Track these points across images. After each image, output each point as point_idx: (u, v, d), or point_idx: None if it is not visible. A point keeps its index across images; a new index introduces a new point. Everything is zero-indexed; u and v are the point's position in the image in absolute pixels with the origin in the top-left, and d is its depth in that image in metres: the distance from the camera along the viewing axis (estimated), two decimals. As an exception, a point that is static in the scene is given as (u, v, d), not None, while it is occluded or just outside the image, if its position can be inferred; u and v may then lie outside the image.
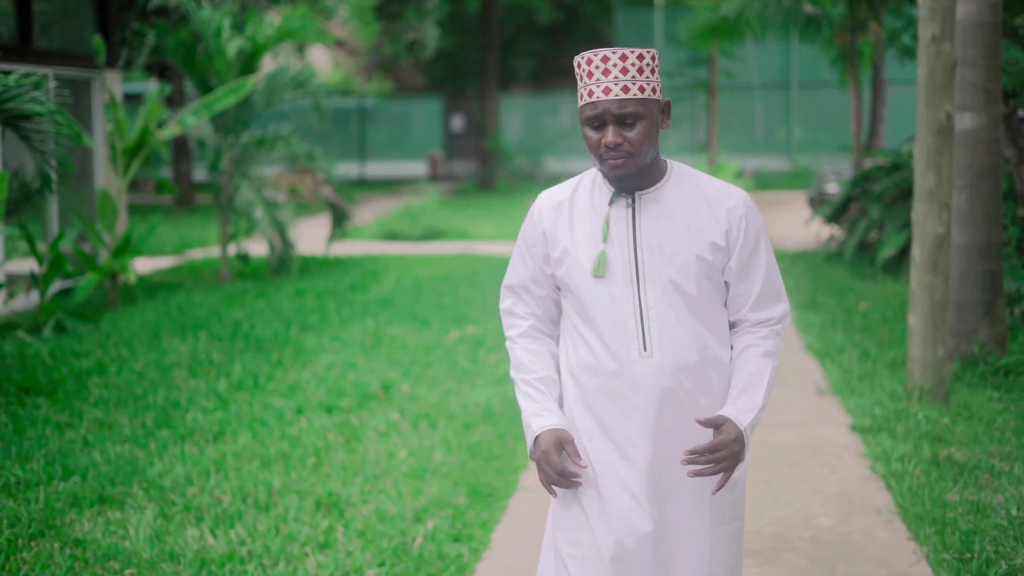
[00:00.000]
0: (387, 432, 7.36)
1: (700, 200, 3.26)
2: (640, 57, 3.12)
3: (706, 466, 3.15)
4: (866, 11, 16.23)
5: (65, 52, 13.70)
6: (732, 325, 3.38)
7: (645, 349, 3.20)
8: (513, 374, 3.42)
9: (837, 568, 5.16)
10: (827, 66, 21.34)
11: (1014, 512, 5.65)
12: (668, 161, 3.31)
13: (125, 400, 8.03)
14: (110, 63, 13.87)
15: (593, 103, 3.14)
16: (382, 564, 5.23)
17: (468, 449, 6.97)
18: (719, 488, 3.19)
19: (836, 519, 5.77)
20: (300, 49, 33.25)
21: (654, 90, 3.15)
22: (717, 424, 3.17)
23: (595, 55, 3.13)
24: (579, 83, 3.20)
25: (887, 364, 8.83)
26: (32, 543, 5.45)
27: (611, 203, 3.27)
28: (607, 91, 3.11)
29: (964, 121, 8.29)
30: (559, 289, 3.40)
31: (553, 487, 3.28)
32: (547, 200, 3.37)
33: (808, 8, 17.08)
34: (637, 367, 3.21)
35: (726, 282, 3.31)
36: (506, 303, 3.49)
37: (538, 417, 3.29)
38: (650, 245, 3.22)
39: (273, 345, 9.95)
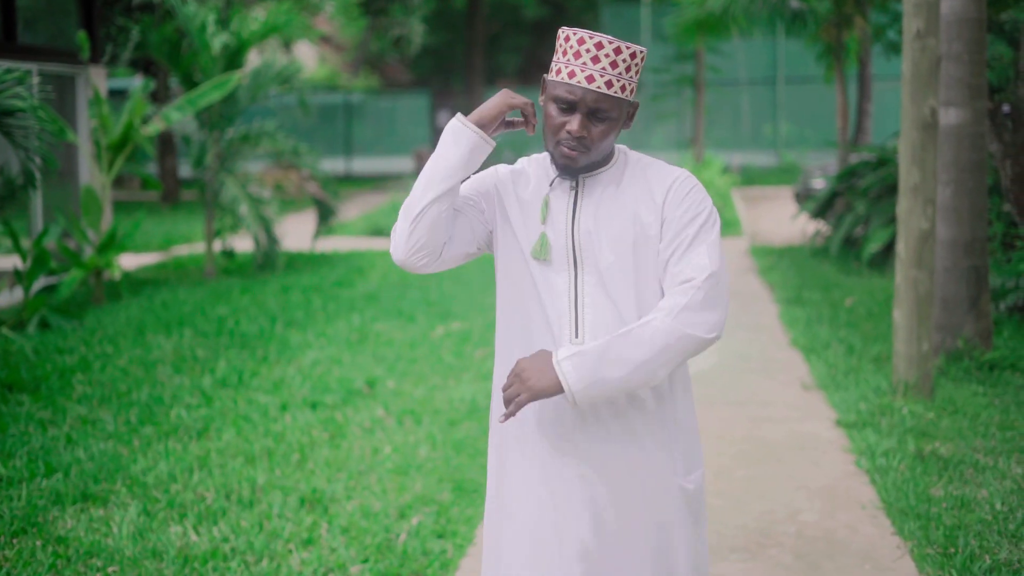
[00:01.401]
0: (372, 428, 7.34)
1: (642, 182, 3.14)
2: (632, 55, 3.02)
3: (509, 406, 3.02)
4: (852, 6, 16.25)
5: (49, 48, 13.64)
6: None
7: (576, 336, 3.08)
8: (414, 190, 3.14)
9: (822, 563, 5.16)
10: (813, 61, 21.37)
11: (998, 507, 5.65)
12: (618, 147, 3.21)
13: (109, 397, 8.00)
14: (94, 59, 13.83)
15: (571, 87, 3.01)
16: (366, 560, 5.22)
17: (453, 445, 6.96)
18: (506, 417, 3.04)
19: (821, 514, 5.77)
20: (286, 45, 33.16)
21: (632, 91, 3.06)
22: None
23: (590, 38, 3.00)
24: (559, 56, 3.07)
25: (872, 359, 8.84)
26: (14, 540, 5.43)
27: (552, 185, 3.18)
28: (590, 79, 2.99)
29: (949, 116, 8.30)
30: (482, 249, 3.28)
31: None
32: (507, 167, 3.28)
33: (794, 3, 17.08)
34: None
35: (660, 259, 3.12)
36: None
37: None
38: (588, 230, 3.10)
39: (258, 341, 9.93)
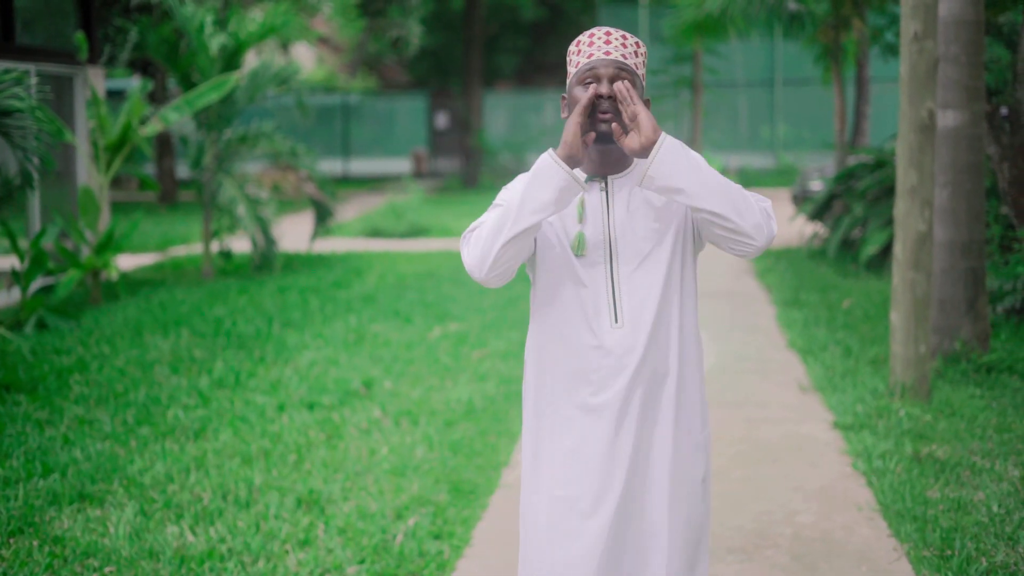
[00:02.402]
0: (369, 429, 7.34)
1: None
2: (637, 44, 3.33)
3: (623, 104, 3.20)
4: (849, 8, 16.26)
5: (47, 48, 13.64)
6: None
7: (616, 321, 3.34)
8: (484, 220, 3.32)
9: (818, 565, 5.16)
10: (811, 63, 21.38)
11: (995, 509, 5.66)
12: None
13: (106, 397, 8.00)
14: (92, 59, 13.83)
15: (591, 63, 3.28)
16: (363, 561, 5.22)
17: (450, 446, 6.96)
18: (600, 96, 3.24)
19: (817, 516, 5.78)
20: (284, 46, 33.20)
21: (642, 75, 3.33)
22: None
23: (598, 30, 3.33)
24: (574, 57, 3.35)
25: (869, 361, 8.84)
26: (11, 540, 5.42)
27: (585, 186, 3.32)
28: (607, 54, 3.28)
29: (947, 118, 8.30)
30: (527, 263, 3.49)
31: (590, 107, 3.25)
32: None
33: (792, 5, 17.08)
34: (608, 338, 3.33)
35: (697, 229, 3.38)
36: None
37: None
38: (622, 224, 3.34)
39: (255, 342, 9.93)
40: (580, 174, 3.32)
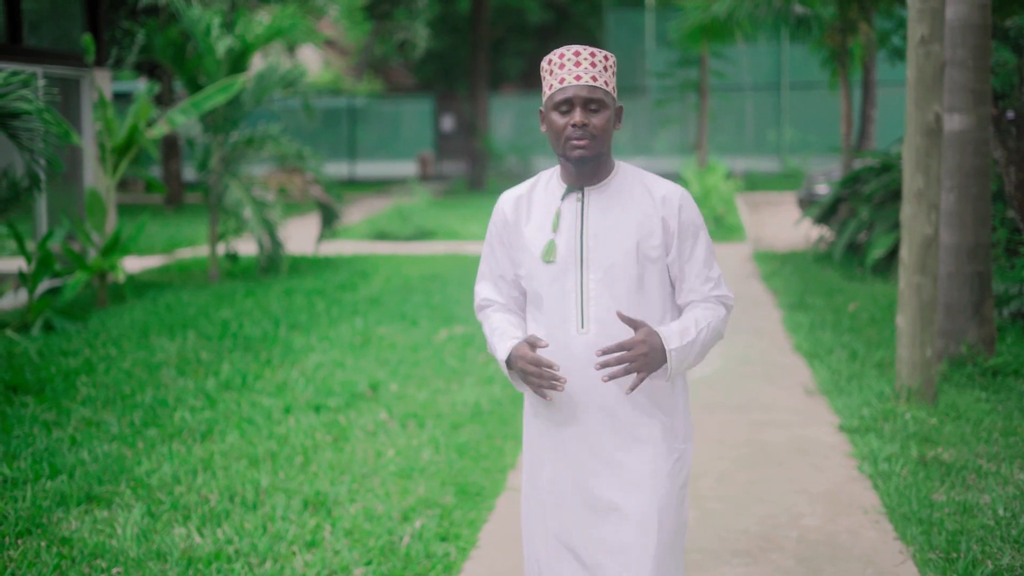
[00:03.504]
0: (375, 431, 7.35)
1: (642, 194, 3.57)
2: (605, 58, 3.47)
3: (618, 366, 3.40)
4: (856, 12, 16.24)
5: (54, 50, 13.67)
6: (683, 310, 3.66)
7: (583, 326, 3.52)
8: (485, 330, 3.73)
9: (823, 568, 5.17)
10: (817, 67, 21.34)
11: (1001, 512, 5.66)
12: (617, 161, 3.63)
13: (113, 399, 8.02)
14: (99, 62, 13.85)
15: (564, 88, 3.44)
16: (369, 563, 5.23)
17: (456, 448, 6.97)
18: (631, 389, 3.44)
19: (823, 519, 5.78)
20: (290, 48, 33.21)
21: (613, 90, 3.49)
22: (636, 325, 3.42)
23: (567, 50, 3.47)
24: (547, 79, 3.50)
25: (875, 364, 8.84)
26: (19, 541, 5.44)
27: (563, 198, 3.59)
28: (578, 78, 3.43)
29: (953, 122, 8.30)
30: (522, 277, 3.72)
31: (543, 388, 3.48)
32: (508, 197, 3.69)
33: (798, 9, 17.08)
34: (574, 343, 3.52)
35: (670, 269, 3.60)
36: (483, 292, 3.80)
37: (502, 340, 3.60)
38: (595, 234, 3.53)
39: (262, 344, 9.94)
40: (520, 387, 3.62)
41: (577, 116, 3.42)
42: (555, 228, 3.56)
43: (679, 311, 3.65)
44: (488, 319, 3.74)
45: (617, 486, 3.56)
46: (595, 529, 3.58)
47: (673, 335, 3.45)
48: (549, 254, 3.54)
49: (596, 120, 3.44)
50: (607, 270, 3.50)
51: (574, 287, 3.52)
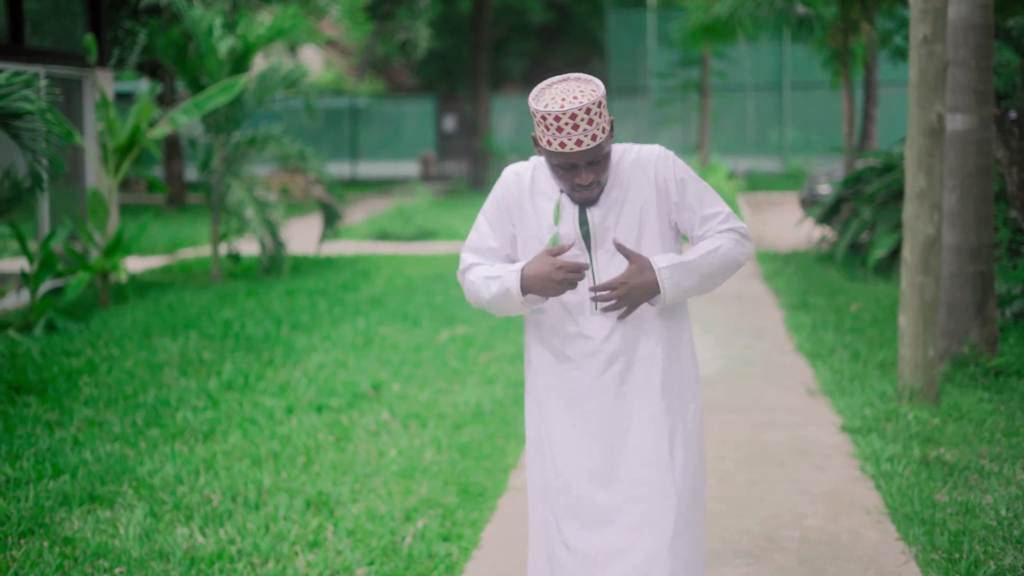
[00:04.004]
0: (377, 431, 7.35)
1: (633, 166, 3.67)
2: (598, 104, 3.45)
3: (612, 300, 3.56)
4: (858, 12, 16.24)
5: (56, 51, 13.68)
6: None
7: (596, 308, 3.64)
8: (472, 279, 3.73)
9: (826, 568, 5.16)
10: (819, 67, 21.33)
11: (1003, 512, 5.66)
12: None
13: (115, 399, 8.02)
14: (101, 62, 13.86)
15: (568, 154, 3.47)
16: (372, 563, 5.23)
17: (458, 449, 6.97)
18: (622, 316, 3.61)
19: (825, 519, 5.78)
20: (292, 48, 33.18)
21: (608, 123, 3.51)
22: (631, 257, 3.56)
23: (563, 113, 3.42)
24: (543, 130, 3.49)
25: (877, 365, 8.84)
26: (22, 541, 5.44)
27: (562, 190, 3.66)
28: (579, 143, 3.45)
29: (955, 122, 8.30)
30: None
31: (568, 276, 3.54)
32: (511, 171, 3.75)
33: (800, 9, 17.08)
34: (589, 325, 3.64)
35: (675, 223, 3.72)
36: (470, 259, 3.78)
37: (507, 272, 3.64)
38: (601, 220, 3.63)
39: (264, 344, 9.95)
40: (536, 302, 3.67)
41: (584, 176, 3.51)
42: (557, 220, 3.64)
43: None
44: (475, 271, 3.74)
45: (633, 461, 3.66)
46: (611, 503, 3.67)
47: (665, 257, 3.58)
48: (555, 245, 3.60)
49: (600, 169, 3.54)
50: (615, 252, 3.61)
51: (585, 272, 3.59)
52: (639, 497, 3.64)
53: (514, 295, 3.61)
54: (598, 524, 3.67)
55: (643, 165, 3.66)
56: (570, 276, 3.51)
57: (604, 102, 3.49)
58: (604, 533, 3.66)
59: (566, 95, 3.46)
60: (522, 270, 3.58)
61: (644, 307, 3.65)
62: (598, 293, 3.56)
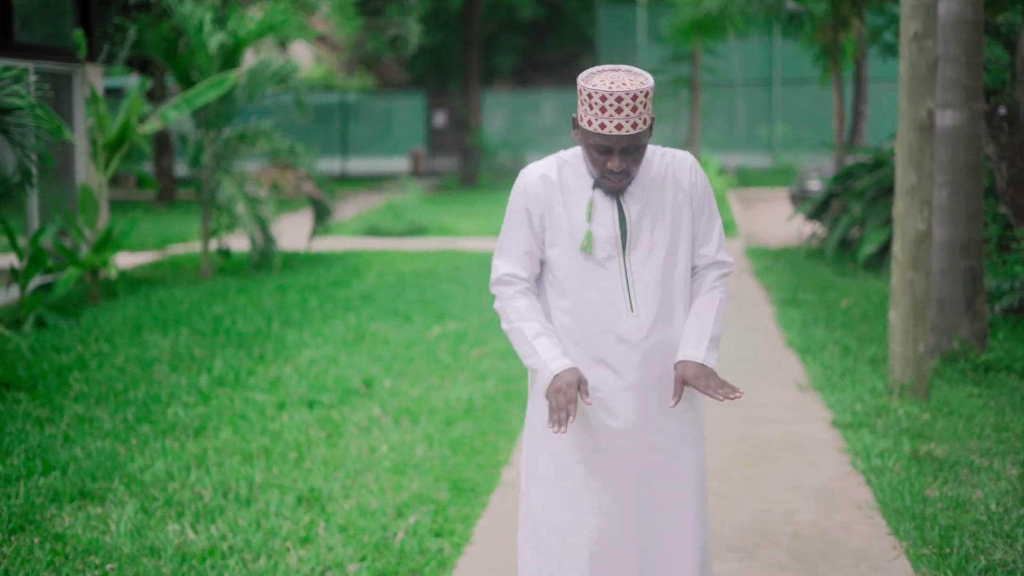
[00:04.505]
0: (369, 427, 7.35)
1: (665, 171, 3.73)
2: (647, 95, 3.53)
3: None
4: (848, 8, 16.26)
5: (46, 46, 13.64)
6: (693, 269, 3.84)
7: (632, 310, 3.65)
8: (516, 323, 3.73)
9: (817, 563, 5.17)
10: (809, 63, 21.35)
11: (993, 507, 5.67)
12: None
13: (106, 395, 8.01)
14: (91, 57, 13.82)
15: (606, 136, 3.52)
16: (364, 559, 5.23)
17: (450, 444, 6.97)
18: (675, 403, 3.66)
19: (816, 514, 5.79)
20: (282, 44, 33.14)
21: (651, 116, 3.57)
22: (681, 387, 3.64)
23: (610, 94, 3.49)
24: (586, 108, 3.55)
25: (868, 360, 8.86)
26: (12, 538, 5.43)
27: (595, 187, 3.68)
28: (619, 127, 3.50)
29: (946, 118, 8.32)
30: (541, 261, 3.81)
31: (557, 423, 3.54)
32: (535, 173, 3.73)
33: (790, 5, 17.10)
34: (625, 326, 3.65)
35: (695, 234, 3.79)
36: (504, 268, 3.78)
37: (556, 359, 3.62)
38: (631, 219, 3.65)
39: (255, 340, 9.93)
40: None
41: (616, 163, 3.56)
42: (589, 218, 3.66)
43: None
44: (517, 310, 3.74)
45: (666, 460, 3.77)
46: (642, 499, 3.76)
47: (695, 348, 3.67)
48: (588, 246, 3.64)
49: (633, 160, 3.59)
50: (650, 251, 3.67)
51: (618, 272, 3.66)
52: (664, 493, 3.78)
53: (543, 376, 3.64)
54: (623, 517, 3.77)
55: (676, 171, 3.73)
56: (563, 407, 3.54)
57: (651, 95, 3.55)
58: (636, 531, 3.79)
59: (615, 80, 3.52)
60: (558, 374, 3.60)
61: (672, 301, 3.75)
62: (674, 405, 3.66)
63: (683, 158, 3.75)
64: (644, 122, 3.53)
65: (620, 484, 3.73)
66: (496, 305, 3.80)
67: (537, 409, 3.85)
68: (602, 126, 3.51)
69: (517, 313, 3.72)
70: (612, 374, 3.69)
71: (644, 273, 3.67)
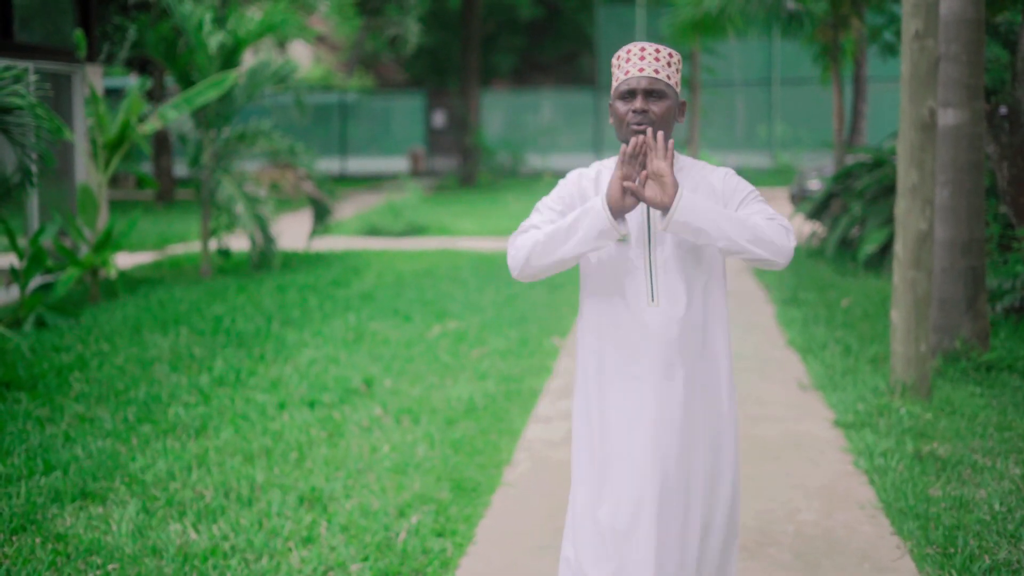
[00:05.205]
0: (369, 427, 7.34)
1: (700, 178, 3.77)
2: (669, 55, 3.72)
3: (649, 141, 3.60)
4: (848, 8, 16.26)
5: (46, 46, 13.62)
6: None
7: (653, 300, 3.70)
8: (544, 230, 3.68)
9: (820, 562, 5.17)
10: (809, 62, 21.39)
11: (996, 507, 5.66)
12: (677, 153, 3.77)
13: (106, 395, 8.00)
14: (91, 57, 13.81)
15: (627, 80, 3.68)
16: (366, 559, 5.22)
17: (451, 444, 6.96)
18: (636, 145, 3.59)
19: (819, 514, 5.78)
20: (281, 44, 33.16)
21: (676, 84, 3.72)
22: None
23: (634, 46, 3.74)
24: (615, 72, 3.74)
25: (869, 360, 8.85)
26: (14, 538, 5.42)
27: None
28: (641, 70, 3.67)
29: (947, 117, 8.31)
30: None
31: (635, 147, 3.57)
32: (578, 173, 3.87)
33: (790, 4, 17.10)
34: (646, 315, 3.70)
35: None
36: (528, 224, 3.78)
37: (592, 201, 3.64)
38: (659, 214, 3.63)
39: (255, 340, 9.92)
40: (623, 227, 3.60)
41: (638, 103, 3.64)
42: None
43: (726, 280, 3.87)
44: (538, 229, 3.73)
45: (697, 449, 3.76)
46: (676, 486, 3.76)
47: (697, 198, 3.59)
48: (624, 237, 3.68)
49: (656, 107, 3.65)
50: (677, 244, 3.70)
51: (643, 263, 3.71)
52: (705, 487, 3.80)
53: (596, 206, 3.60)
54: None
55: (710, 176, 3.78)
56: (627, 170, 3.57)
57: (676, 62, 3.72)
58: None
59: (648, 46, 3.72)
60: (601, 197, 3.61)
61: (698, 294, 3.74)
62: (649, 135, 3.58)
63: (721, 170, 3.83)
64: (668, 78, 3.67)
65: (654, 476, 3.72)
66: (519, 253, 3.73)
67: (579, 401, 3.90)
68: (626, 72, 3.68)
69: (539, 230, 3.72)
70: (633, 362, 3.74)
71: (669, 266, 3.71)
